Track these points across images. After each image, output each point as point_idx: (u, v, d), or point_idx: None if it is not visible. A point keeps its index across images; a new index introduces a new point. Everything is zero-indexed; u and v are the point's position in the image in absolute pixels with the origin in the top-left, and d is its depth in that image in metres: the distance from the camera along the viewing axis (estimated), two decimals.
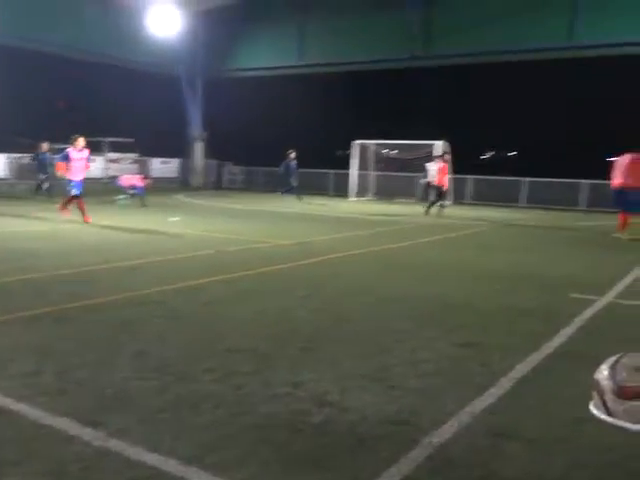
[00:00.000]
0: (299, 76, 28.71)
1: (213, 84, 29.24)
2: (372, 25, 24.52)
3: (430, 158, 21.49)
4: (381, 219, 16.82)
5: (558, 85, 31.59)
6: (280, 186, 23.31)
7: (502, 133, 37.61)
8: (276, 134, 32.77)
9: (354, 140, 25.41)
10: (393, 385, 4.05)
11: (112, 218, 14.15)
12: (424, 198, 22.78)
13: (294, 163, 22.41)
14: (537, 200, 22.80)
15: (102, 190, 25.58)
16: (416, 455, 3.09)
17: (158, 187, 27.54)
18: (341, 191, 25.98)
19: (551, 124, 35.61)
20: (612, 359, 1.87)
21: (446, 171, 18.71)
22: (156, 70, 27.71)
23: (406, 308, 6.28)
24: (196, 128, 30.01)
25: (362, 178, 25.72)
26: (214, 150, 30.18)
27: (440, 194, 18.22)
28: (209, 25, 27.56)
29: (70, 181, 13.00)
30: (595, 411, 1.87)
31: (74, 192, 13.01)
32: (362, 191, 25.52)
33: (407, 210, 20.08)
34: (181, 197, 23.20)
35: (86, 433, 3.24)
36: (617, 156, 13.47)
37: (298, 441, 3.22)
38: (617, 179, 13.04)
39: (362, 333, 5.29)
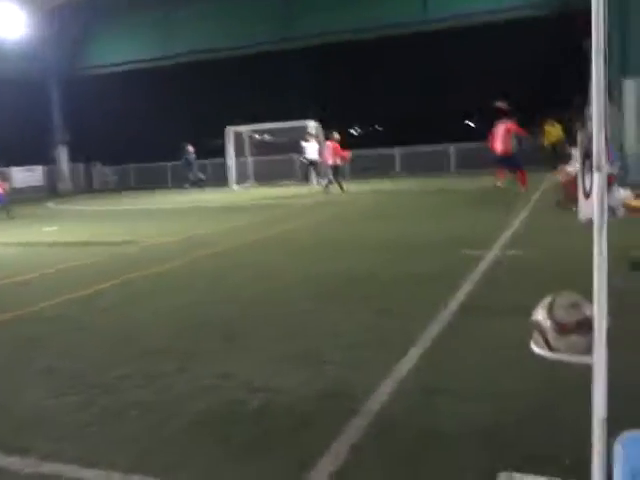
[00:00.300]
0: (165, 68, 27.88)
1: (72, 84, 27.75)
2: (237, 10, 24.25)
3: (305, 138, 21.80)
4: (269, 203, 16.83)
5: (416, 59, 32.85)
6: (179, 181, 23.43)
7: (367, 109, 38.65)
8: (145, 129, 31.76)
9: (227, 127, 25.14)
10: (318, 361, 4.10)
11: None
12: (305, 177, 23.08)
13: (193, 156, 22.90)
14: (410, 168, 23.79)
15: None
16: (358, 423, 3.16)
17: (24, 197, 25.87)
18: (220, 180, 25.68)
19: (412, 96, 37.01)
20: (547, 301, 2.01)
21: (338, 150, 18.99)
22: (7, 74, 25.81)
23: (313, 287, 6.36)
24: (58, 131, 28.40)
25: (240, 165, 25.54)
26: (81, 152, 28.74)
27: (336, 172, 18.62)
28: (60, 23, 26.05)
29: None
30: (537, 349, 2.00)
31: None
32: (242, 178, 25.36)
33: (291, 192, 20.22)
34: (52, 205, 21.93)
35: (13, 462, 3.02)
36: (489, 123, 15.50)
37: (239, 431, 3.19)
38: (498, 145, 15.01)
39: (275, 317, 5.30)
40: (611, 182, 10.09)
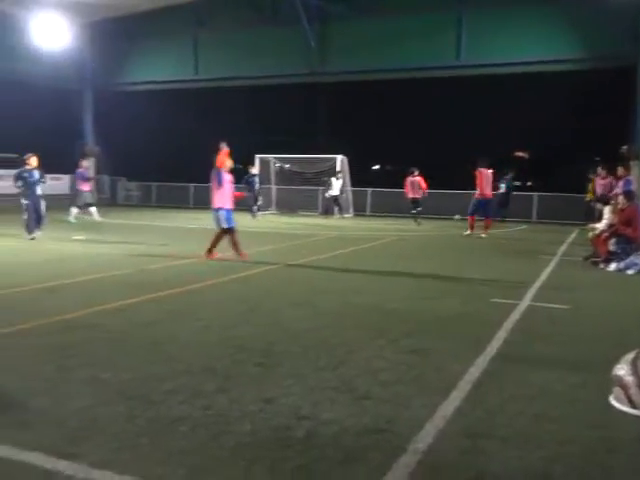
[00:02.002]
0: (195, 90, 28.40)
1: (105, 98, 28.26)
2: (268, 40, 24.72)
3: (333, 173, 22.11)
4: (294, 232, 16.93)
5: (445, 101, 33.24)
6: (200, 202, 23.08)
7: (392, 147, 38.99)
8: (172, 149, 32.17)
9: (254, 155, 25.42)
10: (361, 396, 4.13)
11: (8, 238, 13.31)
12: (327, 211, 23.27)
13: (255, 179, 21.98)
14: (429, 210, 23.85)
15: None
16: (406, 461, 3.18)
17: (50, 205, 26.18)
18: (242, 205, 25.83)
19: (438, 139, 37.32)
20: (630, 356, 2.05)
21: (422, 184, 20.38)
22: (44, 83, 26.39)
23: (348, 319, 6.40)
24: (87, 143, 28.84)
25: (264, 192, 25.75)
26: (107, 166, 29.13)
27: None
28: (100, 37, 26.72)
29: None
30: (618, 405, 2.03)
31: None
32: (264, 205, 25.54)
33: (313, 222, 20.35)
34: (77, 214, 22.13)
35: (64, 466, 3.06)
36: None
37: (289, 457, 3.22)
38: (484, 190, 16.24)
39: (312, 346, 5.33)
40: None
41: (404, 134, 35.43)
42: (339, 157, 23.92)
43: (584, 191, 19.32)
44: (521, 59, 21.54)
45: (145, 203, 29.51)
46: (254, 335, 5.66)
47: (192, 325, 5.99)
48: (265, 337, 5.59)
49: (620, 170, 15.38)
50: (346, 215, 23.79)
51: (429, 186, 21.53)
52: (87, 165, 18.12)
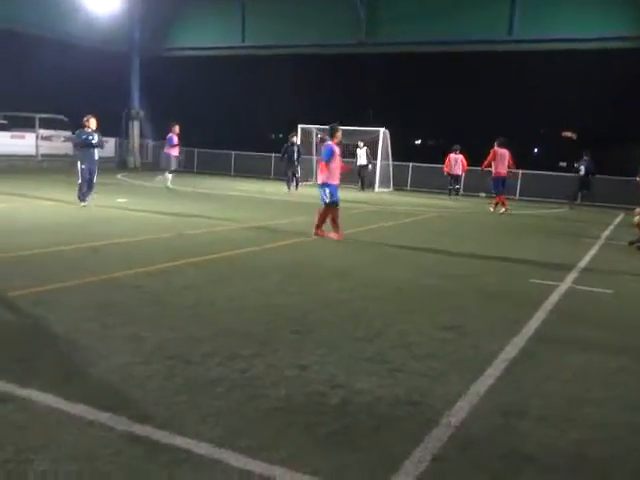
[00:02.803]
0: (241, 57, 28.37)
1: (152, 62, 28.48)
2: (318, 9, 24.45)
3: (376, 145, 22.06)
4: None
5: (493, 77, 32.53)
6: (241, 171, 22.98)
7: (436, 122, 38.39)
8: (216, 115, 32.31)
9: (297, 124, 25.34)
10: (395, 368, 4.15)
11: (56, 197, 13.63)
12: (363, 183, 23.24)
13: (294, 148, 20.33)
14: (472, 188, 23.51)
15: (36, 168, 24.62)
16: (438, 434, 3.20)
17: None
18: (280, 175, 25.92)
19: (480, 113, 36.59)
20: None
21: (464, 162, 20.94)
22: (92, 45, 26.69)
23: (385, 292, 6.41)
24: (133, 107, 29.20)
25: (305, 163, 25.71)
26: (151, 130, 29.46)
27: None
28: (149, 2, 26.75)
29: None
30: None
31: None
32: (305, 176, 25.52)
33: (351, 196, 20.27)
34: (121, 177, 22.55)
35: (106, 418, 3.17)
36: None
37: (322, 422, 3.27)
38: (498, 168, 16.56)
39: (349, 317, 5.36)
40: None
41: (449, 109, 34.85)
42: (382, 130, 23.69)
43: (635, 173, 18.71)
44: (577, 36, 20.82)
45: (187, 169, 29.79)
46: (291, 303, 5.72)
47: (231, 290, 6.08)
48: (302, 306, 5.65)
49: None
50: (382, 189, 23.65)
51: (470, 164, 21.33)
52: (176, 131, 18.16)
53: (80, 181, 12.42)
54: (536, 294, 6.65)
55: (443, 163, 21.94)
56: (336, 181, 9.94)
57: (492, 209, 16.84)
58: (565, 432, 3.31)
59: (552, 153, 41.38)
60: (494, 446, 3.13)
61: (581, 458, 3.05)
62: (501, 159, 16.54)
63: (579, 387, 3.98)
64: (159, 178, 18.84)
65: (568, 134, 52.00)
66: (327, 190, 9.86)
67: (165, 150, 18.59)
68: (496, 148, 16.60)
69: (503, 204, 16.63)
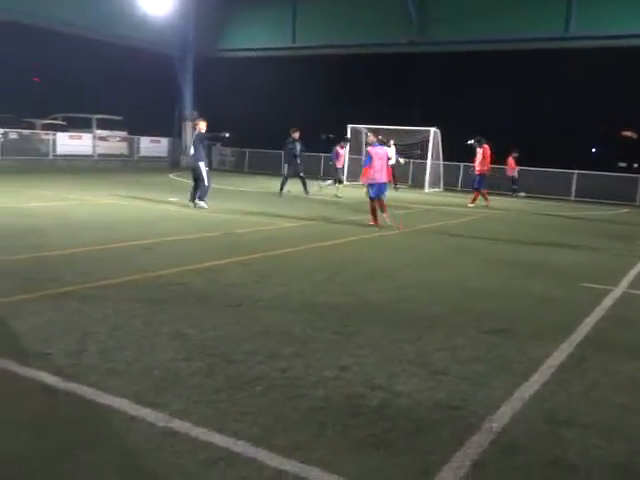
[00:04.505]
0: (292, 58, 28.51)
1: (205, 63, 28.94)
2: (368, 9, 24.39)
3: (426, 145, 21.80)
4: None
5: (550, 75, 31.73)
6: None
7: (485, 122, 37.61)
8: (267, 116, 32.52)
9: (347, 124, 25.31)
10: (437, 370, 4.08)
11: (111, 196, 13.99)
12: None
13: (296, 144, 17.86)
14: (529, 189, 23.03)
15: (92, 167, 25.35)
16: (479, 440, 3.13)
17: (149, 166, 27.34)
18: (329, 175, 25.95)
19: (543, 113, 35.71)
20: None
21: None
22: (147, 47, 27.34)
23: (428, 293, 6.32)
24: (186, 107, 29.74)
25: (353, 162, 25.66)
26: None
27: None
28: (201, 3, 27.20)
29: None
30: None
31: None
32: (352, 176, 25.47)
33: (403, 196, 20.11)
34: (173, 177, 22.98)
35: (147, 414, 3.22)
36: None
37: (360, 424, 3.24)
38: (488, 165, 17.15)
39: (391, 318, 5.31)
40: None
41: (504, 109, 34.17)
42: (432, 129, 23.44)
43: None
44: (636, 32, 20.13)
45: (238, 169, 30.20)
46: (333, 303, 5.71)
47: (274, 289, 6.11)
48: (344, 306, 5.62)
49: None
50: (433, 189, 23.38)
51: (520, 163, 21.31)
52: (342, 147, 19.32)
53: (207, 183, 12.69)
54: (587, 299, 6.45)
55: (500, 164, 22.03)
56: (377, 180, 11.36)
57: (471, 205, 17.07)
58: (613, 442, 3.19)
59: (611, 153, 40.12)
60: (537, 454, 3.04)
61: (629, 470, 2.93)
62: (486, 157, 17.12)
63: (629, 395, 3.83)
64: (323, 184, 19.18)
65: (628, 133, 50.28)
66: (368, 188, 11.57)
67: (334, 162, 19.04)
68: (485, 145, 17.10)
69: (474, 199, 17.29)
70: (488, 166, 17.23)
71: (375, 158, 11.24)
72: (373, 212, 11.55)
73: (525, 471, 2.87)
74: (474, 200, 17.27)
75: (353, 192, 19.34)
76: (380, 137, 12.89)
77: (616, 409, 3.63)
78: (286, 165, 17.93)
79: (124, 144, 27.75)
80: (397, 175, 22.52)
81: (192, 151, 12.82)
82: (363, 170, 11.64)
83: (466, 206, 17.06)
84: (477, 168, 17.19)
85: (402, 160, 22.59)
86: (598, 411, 3.59)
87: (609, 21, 20.40)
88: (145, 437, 2.98)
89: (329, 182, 19.18)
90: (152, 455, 2.83)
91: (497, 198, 21.23)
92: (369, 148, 11.55)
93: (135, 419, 3.17)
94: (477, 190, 17.30)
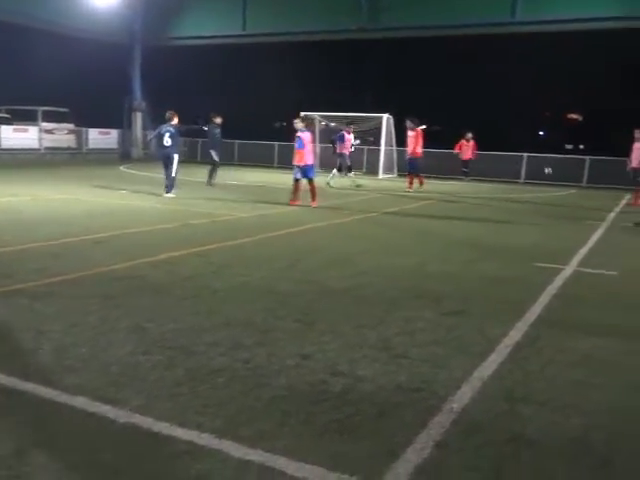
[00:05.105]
0: (243, 45, 28.22)
1: (154, 52, 28.34)
2: None
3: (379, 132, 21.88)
4: (334, 191, 16.86)
5: (499, 60, 32.24)
6: (245, 159, 21.83)
7: (435, 107, 37.97)
8: (219, 105, 32.15)
9: (299, 111, 25.20)
10: (398, 354, 4.13)
11: (61, 190, 13.63)
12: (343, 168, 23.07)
13: (215, 130, 17.06)
14: (477, 172, 23.42)
15: (39, 161, 24.62)
16: (441, 421, 3.18)
17: (98, 158, 26.73)
18: (284, 163, 25.93)
19: (484, 99, 36.26)
20: None
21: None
22: (93, 37, 26.63)
23: (388, 279, 6.38)
24: (135, 98, 29.14)
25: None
26: (154, 121, 29.38)
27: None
28: None
29: None
30: None
31: None
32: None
33: (360, 182, 20.18)
34: (124, 169, 22.54)
35: (107, 410, 3.16)
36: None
37: (324, 411, 3.26)
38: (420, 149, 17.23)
39: (351, 305, 5.34)
40: None
41: (453, 93, 34.60)
42: (385, 116, 23.55)
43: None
44: (580, 16, 20.60)
45: (191, 159, 29.73)
46: (294, 291, 5.70)
47: (233, 279, 6.06)
48: (305, 294, 5.63)
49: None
50: (387, 175, 23.54)
51: (478, 147, 21.50)
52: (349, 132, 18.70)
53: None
54: (540, 278, 6.61)
55: (450, 148, 22.33)
56: (307, 162, 12.30)
57: (410, 190, 16.97)
58: (569, 417, 3.29)
59: (558, 136, 41.12)
60: (497, 432, 3.11)
61: (584, 444, 3.02)
62: (419, 139, 17.12)
63: (583, 371, 3.95)
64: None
65: (574, 116, 51.62)
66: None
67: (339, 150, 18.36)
68: (417, 129, 17.08)
69: (420, 183, 17.34)
70: (420, 149, 17.14)
71: (306, 142, 12.17)
72: (296, 192, 12.50)
73: (486, 449, 2.93)
74: (410, 184, 17.14)
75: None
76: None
77: (571, 385, 3.73)
78: (214, 152, 16.73)
79: (72, 136, 27.02)
80: (352, 162, 22.66)
81: (168, 142, 13.22)
82: (297, 152, 12.27)
83: (405, 191, 16.95)
84: (409, 151, 17.13)
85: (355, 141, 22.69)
86: (554, 388, 3.69)
87: (554, 5, 20.81)
88: (105, 434, 2.93)
89: (335, 174, 18.29)
90: (113, 452, 2.78)
91: (451, 183, 21.58)
92: (299, 133, 12.22)
93: (95, 416, 3.11)
94: (412, 174, 17.23)
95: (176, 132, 13.38)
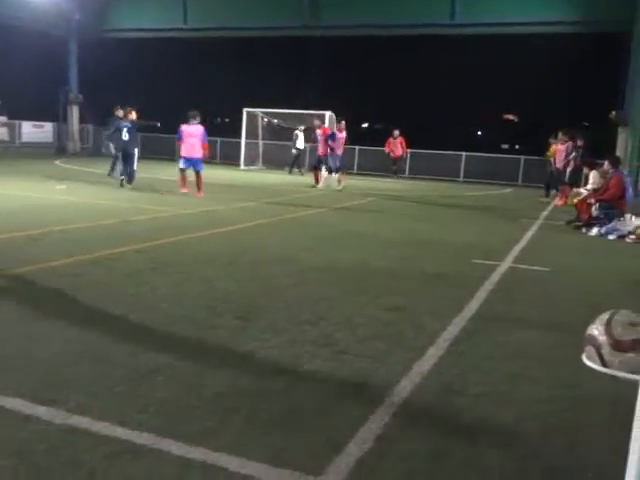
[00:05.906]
0: (184, 39, 27.75)
1: (92, 44, 27.54)
2: None
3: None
4: (279, 188, 16.85)
5: (436, 61, 32.86)
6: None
7: (376, 105, 38.47)
8: (159, 100, 31.60)
9: (243, 108, 25.06)
10: (339, 350, 4.17)
11: None
12: (293, 166, 23.28)
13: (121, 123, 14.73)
14: (415, 171, 23.90)
15: None
16: (382, 414, 3.24)
17: (32, 152, 25.82)
18: (228, 159, 25.77)
19: (421, 98, 36.88)
20: (604, 316, 2.07)
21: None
22: (28, 26, 25.64)
23: (329, 275, 6.43)
24: (72, 90, 28.27)
25: (250, 147, 25.51)
26: (91, 114, 28.60)
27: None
28: None
29: None
30: (590, 363, 2.05)
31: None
32: (250, 160, 25.34)
33: (300, 180, 20.23)
34: (60, 164, 21.86)
35: (43, 412, 3.08)
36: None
37: (266, 407, 3.26)
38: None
39: (293, 301, 5.36)
40: (625, 210, 10.22)
41: (395, 93, 35.11)
42: (327, 113, 23.59)
43: (543, 155, 18.94)
44: (517, 20, 21.21)
45: None
46: (235, 288, 5.68)
47: (173, 277, 5.99)
48: (246, 291, 5.61)
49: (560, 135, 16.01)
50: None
51: (410, 146, 22.00)
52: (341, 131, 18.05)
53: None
54: (478, 274, 6.79)
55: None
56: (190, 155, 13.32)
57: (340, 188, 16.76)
58: (503, 409, 3.40)
59: (494, 136, 42.30)
60: (435, 424, 3.19)
61: (517, 434, 3.13)
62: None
63: (518, 364, 4.09)
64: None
65: (509, 117, 53.22)
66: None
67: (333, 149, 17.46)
68: (324, 126, 17.90)
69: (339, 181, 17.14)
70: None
71: (185, 135, 13.23)
72: (182, 181, 13.49)
73: (424, 441, 3.00)
74: (339, 181, 16.97)
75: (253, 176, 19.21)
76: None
77: (506, 378, 3.86)
78: (112, 144, 15.34)
79: (4, 129, 26.04)
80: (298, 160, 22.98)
81: (126, 137, 13.88)
82: (178, 143, 13.63)
83: (337, 190, 16.66)
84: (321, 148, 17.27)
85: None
86: (490, 380, 3.80)
87: (492, 9, 21.33)
88: (42, 436, 2.85)
89: (332, 176, 17.58)
90: (50, 454, 2.71)
91: (390, 181, 21.90)
92: (183, 127, 13.34)
93: (30, 418, 3.02)
94: (337, 170, 17.05)
95: (133, 127, 13.96)
